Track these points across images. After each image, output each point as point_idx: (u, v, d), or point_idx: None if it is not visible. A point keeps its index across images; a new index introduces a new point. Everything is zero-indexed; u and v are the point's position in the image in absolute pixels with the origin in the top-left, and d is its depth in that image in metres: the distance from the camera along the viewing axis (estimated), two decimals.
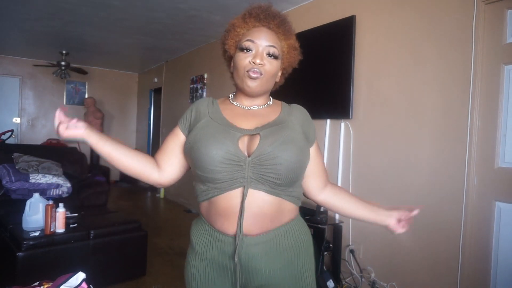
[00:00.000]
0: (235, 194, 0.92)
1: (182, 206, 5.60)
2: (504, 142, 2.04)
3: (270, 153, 0.90)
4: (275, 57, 0.98)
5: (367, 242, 2.73)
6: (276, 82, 1.06)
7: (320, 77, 3.08)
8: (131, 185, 7.33)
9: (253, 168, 0.91)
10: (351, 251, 2.78)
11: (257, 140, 0.93)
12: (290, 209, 0.98)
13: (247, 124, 0.98)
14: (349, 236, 2.83)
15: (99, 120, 7.01)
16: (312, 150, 1.04)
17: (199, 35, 4.76)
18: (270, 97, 1.09)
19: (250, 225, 0.92)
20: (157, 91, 7.03)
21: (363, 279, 2.69)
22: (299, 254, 0.99)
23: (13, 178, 3.21)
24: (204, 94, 5.17)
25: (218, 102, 1.07)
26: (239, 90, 1.03)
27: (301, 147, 0.95)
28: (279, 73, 1.04)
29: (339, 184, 2.96)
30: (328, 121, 3.07)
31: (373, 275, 2.64)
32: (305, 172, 1.01)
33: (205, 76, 5.17)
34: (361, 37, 2.81)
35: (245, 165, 0.91)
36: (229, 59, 1.07)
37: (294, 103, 1.10)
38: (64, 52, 5.87)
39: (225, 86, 4.70)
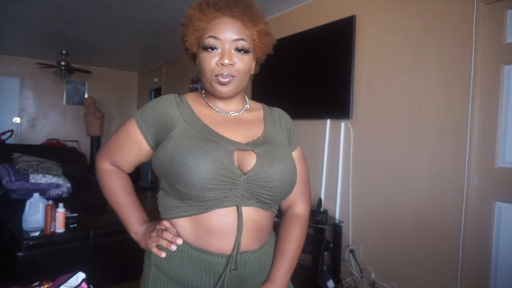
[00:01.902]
0: (226, 212, 0.81)
1: None
2: (504, 142, 2.04)
3: (269, 175, 0.82)
4: (246, 51, 0.84)
5: (367, 242, 2.73)
6: (251, 74, 0.92)
7: (320, 77, 3.08)
8: None
9: (248, 187, 0.81)
10: (351, 251, 2.78)
11: (250, 157, 0.83)
12: (272, 217, 0.93)
13: (234, 135, 0.86)
14: (349, 236, 2.83)
15: (99, 120, 7.01)
16: (294, 155, 0.95)
17: None
18: (245, 96, 0.97)
19: (250, 241, 0.84)
20: (157, 91, 7.03)
21: (363, 279, 2.69)
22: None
23: (13, 178, 3.21)
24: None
25: (188, 100, 0.92)
26: (210, 93, 0.90)
27: (294, 166, 0.89)
28: (253, 64, 0.91)
29: (339, 184, 2.96)
30: (328, 121, 3.07)
31: (373, 275, 2.64)
32: None
33: None
34: (361, 37, 2.81)
35: (239, 183, 0.80)
36: (193, 57, 0.94)
37: (275, 106, 1.02)
38: (64, 52, 5.88)
39: None
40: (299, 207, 0.96)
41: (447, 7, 2.27)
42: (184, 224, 0.84)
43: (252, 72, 0.93)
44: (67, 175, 3.67)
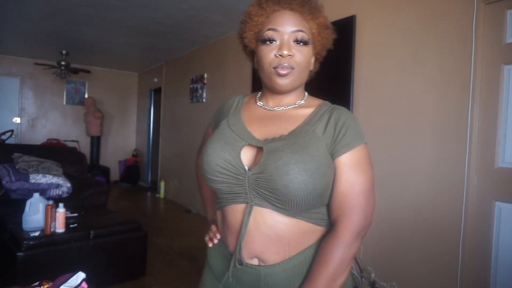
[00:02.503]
0: (239, 209, 0.81)
1: (182, 206, 5.60)
2: (504, 142, 2.04)
3: (270, 174, 0.75)
4: (305, 43, 0.82)
5: (367, 242, 2.73)
6: (310, 71, 0.90)
7: (320, 77, 3.08)
8: (131, 185, 7.33)
9: (253, 186, 0.78)
10: None
11: (261, 154, 0.79)
12: (313, 231, 0.81)
13: (262, 131, 0.84)
14: None
15: (99, 120, 7.02)
16: (338, 165, 0.79)
17: (199, 35, 4.76)
18: (306, 93, 0.92)
19: (263, 249, 0.79)
20: (157, 91, 7.03)
21: (363, 279, 2.69)
22: None
23: (13, 178, 3.21)
24: (204, 94, 5.17)
25: (246, 99, 0.96)
26: (266, 88, 0.88)
27: (313, 171, 0.74)
28: (312, 60, 0.89)
29: None
30: None
31: (373, 275, 2.64)
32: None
33: (205, 76, 5.16)
34: (361, 37, 2.81)
35: (244, 179, 0.78)
36: (251, 54, 0.92)
37: (341, 107, 0.88)
38: (64, 52, 5.88)
39: (225, 86, 4.70)
40: (339, 225, 0.78)
41: (447, 7, 2.27)
42: (218, 216, 0.91)
43: (312, 68, 0.90)
44: (67, 175, 3.67)
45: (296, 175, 0.73)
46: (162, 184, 6.25)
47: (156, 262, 3.14)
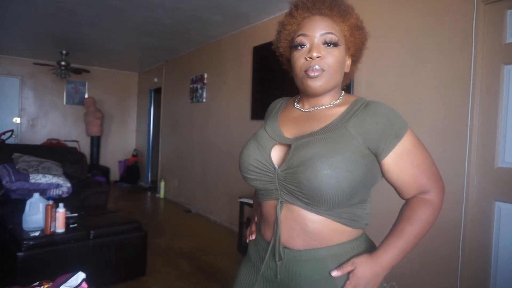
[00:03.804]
0: (272, 204, 0.86)
1: (182, 206, 5.60)
2: (504, 142, 2.04)
3: (296, 169, 0.77)
4: (335, 45, 0.83)
5: None
6: (346, 73, 0.91)
7: None
8: (131, 185, 7.33)
9: (282, 182, 0.81)
10: None
11: (288, 151, 0.83)
12: (343, 231, 0.82)
13: (294, 131, 0.87)
14: None
15: (99, 120, 7.02)
16: (389, 161, 0.81)
17: (199, 35, 4.76)
18: (342, 91, 0.93)
19: (289, 238, 0.82)
20: (157, 91, 7.03)
21: None
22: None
23: (13, 178, 3.21)
24: (204, 94, 5.17)
25: (288, 102, 1.01)
26: (302, 92, 0.92)
27: (337, 165, 0.75)
28: (348, 62, 0.90)
29: None
30: None
31: None
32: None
33: (205, 76, 5.17)
34: None
35: (274, 176, 0.82)
36: (288, 62, 0.95)
37: (375, 100, 0.87)
38: (64, 52, 5.88)
39: (225, 86, 4.70)
40: (428, 194, 0.83)
41: (447, 7, 2.27)
42: (259, 210, 0.96)
43: (347, 70, 0.91)
44: (67, 175, 3.67)
45: (320, 169, 0.74)
46: (162, 184, 6.25)
47: (156, 262, 3.14)
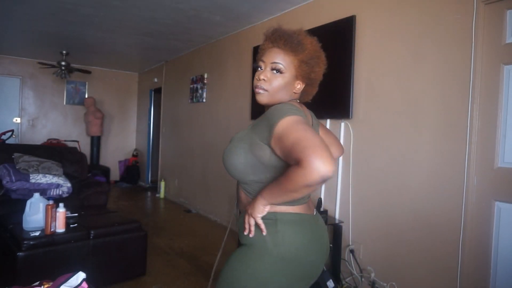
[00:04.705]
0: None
1: (182, 206, 5.60)
2: (504, 142, 2.04)
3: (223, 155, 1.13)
4: (280, 72, 1.10)
5: (367, 242, 2.73)
6: (307, 90, 1.18)
7: None
8: (131, 185, 7.33)
9: None
10: (351, 251, 2.79)
11: None
12: (249, 201, 1.14)
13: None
14: (349, 236, 2.83)
15: (99, 120, 7.02)
16: (272, 145, 1.01)
17: (199, 35, 4.76)
18: (284, 103, 1.11)
19: (240, 204, 1.20)
20: (157, 91, 7.03)
21: (363, 279, 2.70)
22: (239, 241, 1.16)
23: (13, 178, 3.22)
24: (204, 94, 5.18)
25: None
26: None
27: (230, 152, 1.09)
28: (298, 85, 1.15)
29: (339, 184, 2.96)
30: (328, 121, 3.07)
31: (373, 275, 2.64)
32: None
33: (205, 76, 5.17)
34: (361, 37, 2.81)
35: None
36: None
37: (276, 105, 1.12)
38: (64, 52, 5.88)
39: (225, 86, 4.70)
40: (301, 162, 0.94)
41: (447, 7, 2.27)
42: None
43: (297, 91, 1.16)
44: (68, 175, 3.68)
45: (228, 153, 1.10)
46: (162, 184, 6.25)
47: (156, 262, 3.15)
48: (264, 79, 1.10)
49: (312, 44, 1.14)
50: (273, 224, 1.07)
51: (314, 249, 1.12)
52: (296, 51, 1.10)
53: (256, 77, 1.13)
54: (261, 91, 1.11)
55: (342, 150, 1.40)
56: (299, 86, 1.15)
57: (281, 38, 1.11)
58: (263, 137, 1.03)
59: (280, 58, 1.10)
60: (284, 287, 1.08)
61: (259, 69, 1.14)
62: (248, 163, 1.07)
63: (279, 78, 1.11)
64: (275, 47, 1.12)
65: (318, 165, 0.88)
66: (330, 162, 0.89)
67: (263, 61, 1.13)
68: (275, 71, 1.10)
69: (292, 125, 0.96)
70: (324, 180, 0.91)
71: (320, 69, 1.16)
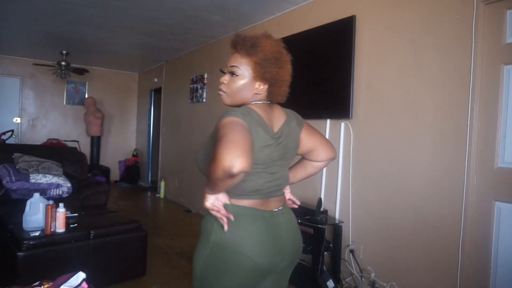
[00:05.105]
0: None
1: (182, 206, 5.60)
2: (504, 142, 2.04)
3: None
4: (236, 75, 1.17)
5: (367, 242, 2.73)
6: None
7: (320, 77, 3.08)
8: (131, 185, 7.33)
9: None
10: (351, 251, 2.79)
11: None
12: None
13: None
14: (349, 236, 2.83)
15: (99, 120, 7.02)
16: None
17: (199, 35, 4.76)
18: (244, 106, 1.19)
19: None
20: (157, 91, 7.03)
21: (363, 279, 2.70)
22: None
23: (13, 178, 3.22)
24: (204, 94, 5.18)
25: None
26: None
27: (206, 146, 1.16)
28: (260, 86, 1.18)
29: (339, 184, 2.96)
30: (328, 121, 3.07)
31: (373, 275, 2.64)
32: None
33: (205, 76, 5.17)
34: (361, 37, 2.81)
35: None
36: None
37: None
38: (64, 52, 5.88)
39: None
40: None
41: (447, 7, 2.27)
42: None
43: (260, 92, 1.19)
44: (68, 175, 3.68)
45: (195, 152, 1.25)
46: (162, 184, 6.25)
47: (156, 262, 3.15)
48: (223, 82, 1.20)
49: (270, 46, 1.17)
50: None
51: (260, 243, 1.12)
52: (250, 53, 1.16)
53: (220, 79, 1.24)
54: (221, 93, 1.21)
55: (332, 152, 1.34)
56: (261, 87, 1.18)
57: (237, 43, 1.19)
58: (213, 134, 1.12)
59: (236, 62, 1.17)
60: (224, 275, 1.12)
61: (222, 72, 1.24)
62: (208, 156, 1.14)
63: (236, 80, 1.18)
64: (235, 51, 1.20)
65: (224, 161, 0.91)
66: (237, 160, 0.90)
67: (226, 65, 1.22)
68: (232, 74, 1.18)
69: (225, 124, 1.03)
70: (229, 176, 0.92)
71: (278, 69, 1.17)
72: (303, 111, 3.61)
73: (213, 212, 1.10)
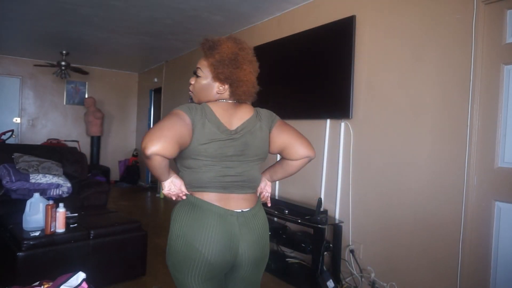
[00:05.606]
0: None
1: None
2: (504, 142, 2.04)
3: None
4: (199, 76, 1.26)
5: (367, 242, 2.73)
6: (218, 93, 1.24)
7: (320, 77, 3.08)
8: (131, 185, 7.33)
9: None
10: (351, 251, 2.79)
11: None
12: None
13: None
14: (349, 236, 2.83)
15: (99, 120, 7.02)
16: None
17: (199, 35, 4.71)
18: (206, 104, 1.26)
19: None
20: (157, 91, 7.03)
21: (363, 279, 2.70)
22: None
23: (13, 178, 3.22)
24: None
25: None
26: None
27: None
28: (221, 87, 1.22)
29: (339, 184, 2.96)
30: (328, 121, 3.07)
31: (373, 275, 2.64)
32: None
33: None
34: (361, 37, 2.81)
35: None
36: None
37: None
38: (64, 52, 5.88)
39: None
40: None
41: (447, 7, 2.27)
42: None
43: (221, 91, 1.23)
44: (68, 175, 3.67)
45: None
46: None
47: (156, 262, 3.15)
48: (191, 83, 1.29)
49: (227, 48, 1.21)
50: (182, 201, 1.26)
51: (210, 239, 1.16)
52: (207, 55, 1.23)
53: None
54: (190, 93, 1.31)
55: (307, 151, 1.28)
56: (221, 87, 1.23)
57: (202, 45, 1.25)
58: None
59: (200, 64, 1.25)
60: (182, 265, 1.20)
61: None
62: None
63: (199, 81, 1.26)
64: (203, 54, 1.27)
65: (142, 142, 1.04)
66: (151, 143, 1.02)
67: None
68: (197, 76, 1.26)
69: (167, 115, 1.15)
70: (145, 156, 1.04)
71: (234, 70, 1.19)
72: (303, 111, 3.60)
73: (170, 196, 1.23)
